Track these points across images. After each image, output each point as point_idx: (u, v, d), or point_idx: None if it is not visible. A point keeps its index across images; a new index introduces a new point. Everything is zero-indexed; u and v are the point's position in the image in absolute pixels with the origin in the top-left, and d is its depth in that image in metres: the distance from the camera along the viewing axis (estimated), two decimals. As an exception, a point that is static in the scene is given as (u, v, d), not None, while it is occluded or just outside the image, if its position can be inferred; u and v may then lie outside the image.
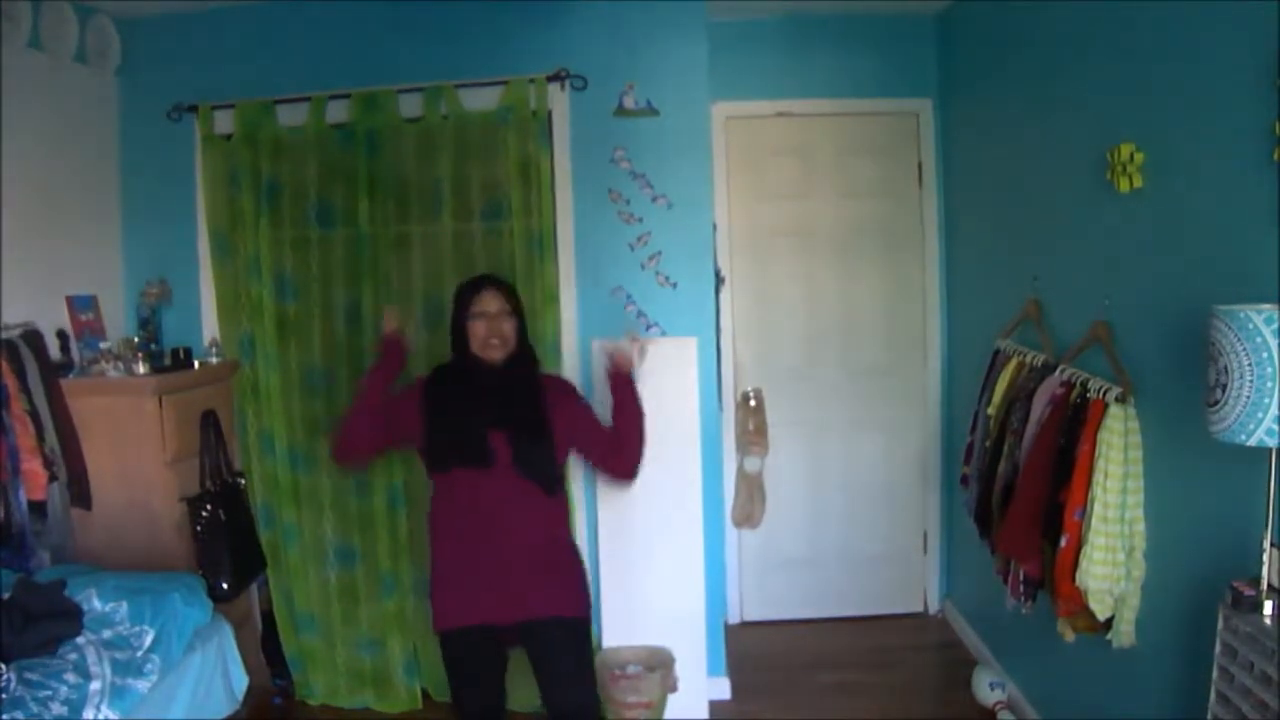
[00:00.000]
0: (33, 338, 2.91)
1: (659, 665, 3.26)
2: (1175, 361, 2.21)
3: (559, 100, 3.44)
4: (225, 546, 3.15)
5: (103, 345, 3.25)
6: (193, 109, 3.54)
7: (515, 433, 2.43)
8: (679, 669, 3.30)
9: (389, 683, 3.56)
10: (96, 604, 2.50)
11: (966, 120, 3.86)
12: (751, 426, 4.01)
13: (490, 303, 2.47)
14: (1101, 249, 2.60)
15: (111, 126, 3.61)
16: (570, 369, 3.45)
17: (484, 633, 2.46)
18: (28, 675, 2.20)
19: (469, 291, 2.51)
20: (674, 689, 3.27)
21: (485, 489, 2.42)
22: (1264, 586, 1.79)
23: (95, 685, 2.26)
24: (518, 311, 2.53)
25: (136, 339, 3.37)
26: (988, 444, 3.06)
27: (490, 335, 2.45)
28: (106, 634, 2.44)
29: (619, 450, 2.59)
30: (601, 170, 3.46)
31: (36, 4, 3.13)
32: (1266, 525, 1.79)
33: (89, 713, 2.21)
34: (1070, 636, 2.58)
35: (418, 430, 2.49)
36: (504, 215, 3.41)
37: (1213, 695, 1.87)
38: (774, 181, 4.17)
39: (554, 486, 2.53)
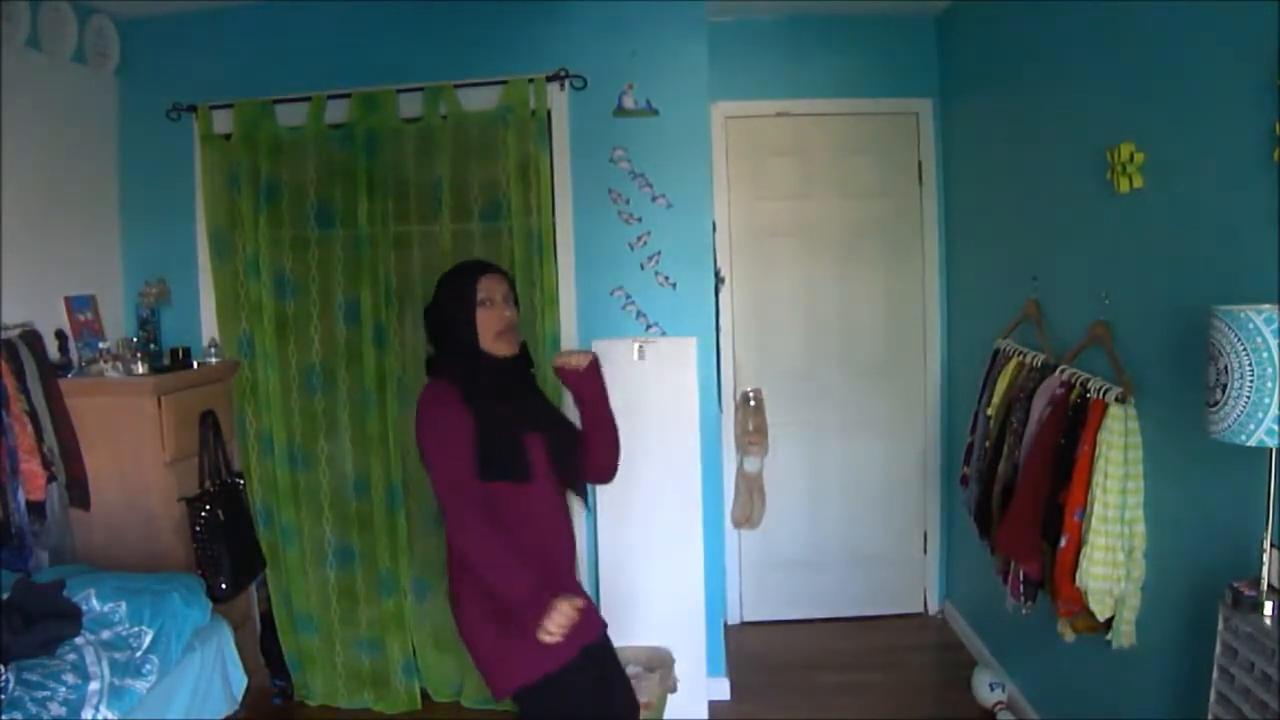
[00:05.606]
0: (31, 338, 2.91)
1: (658, 666, 3.25)
2: (1175, 361, 2.21)
3: (558, 100, 3.44)
4: (224, 547, 3.15)
5: (101, 345, 3.26)
6: (192, 109, 3.54)
7: (549, 436, 2.24)
8: (678, 669, 3.30)
9: (388, 683, 3.56)
10: (95, 604, 2.50)
11: (966, 120, 3.85)
12: (751, 426, 4.01)
13: (495, 289, 2.22)
14: (1101, 249, 2.60)
15: (111, 126, 3.61)
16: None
17: (587, 655, 2.21)
18: (26, 676, 2.20)
19: (469, 277, 2.22)
20: (673, 689, 3.27)
21: (534, 500, 2.21)
22: (1264, 587, 1.79)
23: (94, 686, 2.26)
24: (517, 300, 2.33)
25: (135, 339, 3.38)
26: (987, 444, 3.05)
27: (502, 326, 2.20)
28: (105, 634, 2.43)
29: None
30: (601, 170, 3.46)
31: (36, 4, 3.13)
32: (1266, 525, 1.79)
33: (88, 713, 2.21)
34: (1070, 637, 2.58)
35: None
36: (503, 215, 3.41)
37: (1213, 695, 1.87)
38: (774, 181, 4.17)
39: (584, 489, 2.41)
